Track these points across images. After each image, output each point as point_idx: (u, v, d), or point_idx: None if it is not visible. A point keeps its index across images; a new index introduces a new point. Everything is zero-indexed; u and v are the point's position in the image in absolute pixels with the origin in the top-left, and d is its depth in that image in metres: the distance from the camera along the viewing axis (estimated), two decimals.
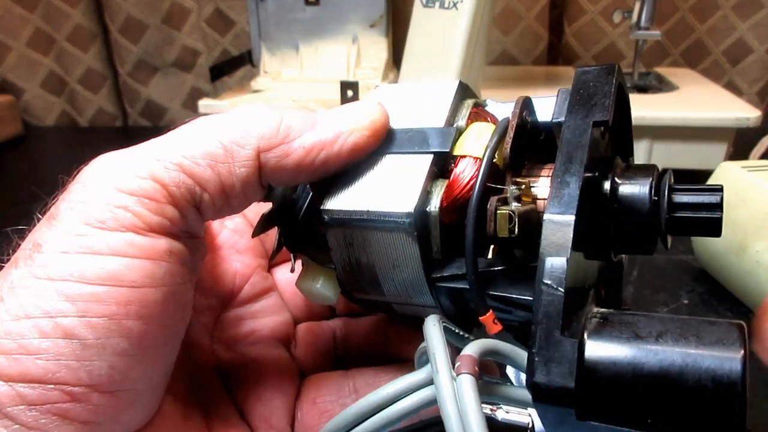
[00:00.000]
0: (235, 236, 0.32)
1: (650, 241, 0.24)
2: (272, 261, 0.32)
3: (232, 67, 0.96)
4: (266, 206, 0.28)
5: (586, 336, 0.20)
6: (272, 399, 0.29)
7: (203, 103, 0.85)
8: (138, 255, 0.21)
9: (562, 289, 0.20)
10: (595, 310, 0.22)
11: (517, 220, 0.22)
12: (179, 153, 0.23)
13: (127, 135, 1.11)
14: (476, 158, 0.25)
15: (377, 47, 0.92)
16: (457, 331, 0.25)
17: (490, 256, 0.26)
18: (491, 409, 0.24)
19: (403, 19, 0.92)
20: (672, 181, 0.25)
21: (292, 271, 0.30)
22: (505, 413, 0.24)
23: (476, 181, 0.24)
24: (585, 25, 1.02)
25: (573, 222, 0.21)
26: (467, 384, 0.21)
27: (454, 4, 0.67)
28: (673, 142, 0.73)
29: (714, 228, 0.24)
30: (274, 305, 0.32)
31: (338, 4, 0.90)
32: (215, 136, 0.23)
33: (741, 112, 0.72)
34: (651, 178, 0.24)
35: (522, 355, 0.24)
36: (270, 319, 0.32)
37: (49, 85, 1.12)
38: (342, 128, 0.24)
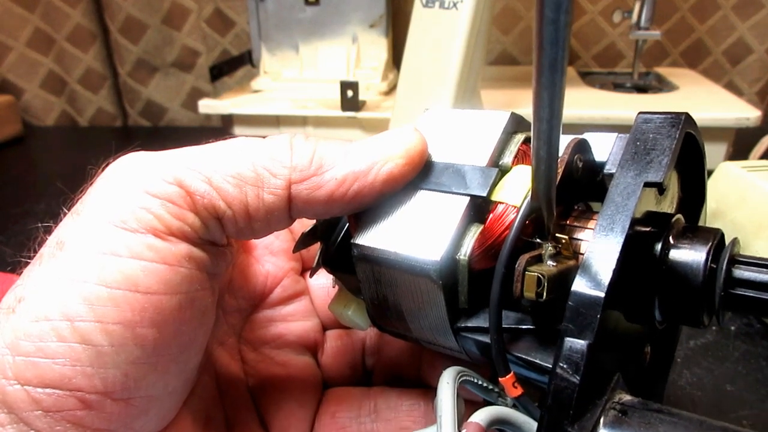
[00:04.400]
0: (270, 237, 0.31)
1: (700, 314, 0.22)
2: (312, 276, 0.32)
3: (232, 67, 0.96)
4: (310, 222, 0.28)
5: (598, 430, 0.18)
6: (293, 410, 0.29)
7: (203, 103, 0.85)
8: (155, 259, 0.21)
9: (578, 377, 0.18)
10: (618, 398, 0.19)
11: (546, 283, 0.20)
12: (211, 166, 0.22)
13: (127, 135, 1.11)
14: (514, 206, 0.23)
15: (377, 47, 0.92)
16: (481, 383, 0.24)
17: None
18: None
19: (403, 19, 0.92)
20: (736, 250, 0.22)
21: (334, 287, 0.30)
22: None
23: (510, 233, 0.22)
24: (585, 25, 1.02)
25: (602, 301, 0.18)
26: None
27: (454, 4, 0.67)
28: None
29: None
30: (304, 310, 0.32)
31: (338, 4, 0.90)
32: (249, 158, 0.23)
33: (741, 112, 0.72)
34: (709, 245, 0.21)
35: (534, 428, 0.22)
36: (299, 323, 0.31)
37: (49, 85, 1.12)
38: (376, 158, 0.24)
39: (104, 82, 1.13)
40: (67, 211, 0.22)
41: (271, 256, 0.32)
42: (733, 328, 0.48)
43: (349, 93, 0.79)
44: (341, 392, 0.31)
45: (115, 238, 0.21)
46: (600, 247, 0.20)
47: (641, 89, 0.90)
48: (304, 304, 0.32)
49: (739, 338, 0.46)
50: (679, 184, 0.26)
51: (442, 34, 0.68)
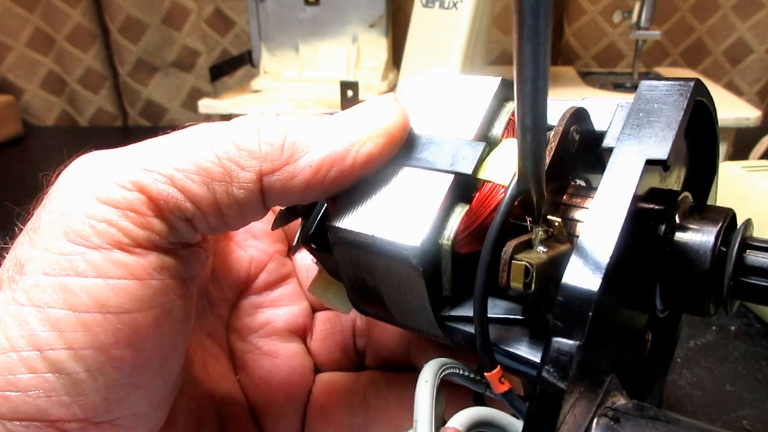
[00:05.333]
0: None
1: (706, 302, 0.20)
2: (293, 254, 0.31)
3: (232, 67, 0.96)
4: None
5: None
6: (282, 405, 0.28)
7: (203, 103, 0.85)
8: (124, 276, 0.19)
9: (565, 383, 0.16)
10: (611, 402, 0.18)
11: (535, 274, 0.18)
12: (170, 164, 0.20)
13: (127, 135, 1.11)
14: (503, 186, 0.21)
15: (377, 47, 0.92)
16: (467, 374, 0.23)
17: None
18: None
19: (403, 19, 0.92)
20: (748, 233, 0.20)
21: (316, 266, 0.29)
22: None
23: (496, 217, 0.20)
24: (585, 25, 1.02)
25: (595, 297, 0.17)
26: None
27: (454, 4, 0.67)
28: None
29: None
30: (291, 293, 0.30)
31: (338, 4, 0.90)
32: (212, 150, 0.21)
33: (741, 112, 0.72)
34: (719, 227, 0.19)
35: (519, 429, 0.20)
36: (287, 308, 0.30)
37: (49, 85, 1.12)
38: (354, 138, 0.22)
39: (104, 82, 1.13)
40: (21, 227, 0.21)
41: (253, 240, 0.30)
42: (733, 328, 0.48)
43: (349, 93, 0.79)
44: (331, 381, 0.30)
45: (78, 257, 0.19)
46: (595, 234, 0.18)
47: None
48: (291, 287, 0.31)
49: (739, 338, 0.46)
50: (688, 155, 0.24)
51: (442, 34, 0.68)
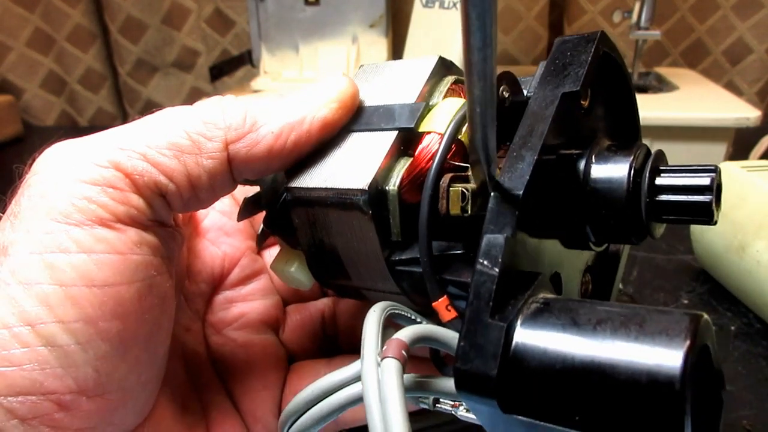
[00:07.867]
0: (223, 218, 0.31)
1: (630, 228, 0.22)
2: (260, 247, 0.32)
3: (232, 67, 0.96)
4: (253, 189, 0.28)
5: (519, 321, 0.18)
6: (259, 390, 0.29)
7: None
8: (107, 250, 0.20)
9: (497, 270, 0.18)
10: (541, 295, 0.19)
11: (470, 197, 0.21)
12: (143, 142, 0.22)
13: None
14: (441, 134, 0.24)
15: (377, 47, 0.92)
16: (412, 316, 0.24)
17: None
18: (452, 405, 0.22)
19: (403, 19, 0.92)
20: (658, 162, 0.22)
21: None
22: (466, 411, 0.22)
23: (438, 153, 0.22)
24: (585, 25, 1.02)
25: (519, 198, 0.19)
26: (390, 368, 0.19)
27: (454, 4, 0.67)
28: (673, 142, 0.73)
29: (703, 213, 0.21)
30: (263, 288, 0.32)
31: (338, 4, 0.90)
32: (181, 126, 0.23)
33: (741, 112, 0.72)
34: (631, 158, 0.21)
35: None
36: (260, 302, 0.31)
37: (49, 85, 1.12)
38: (309, 106, 0.24)
39: (104, 82, 1.13)
40: (1, 215, 0.22)
41: (226, 237, 0.31)
42: (733, 328, 0.48)
43: None
44: (304, 367, 0.31)
45: (62, 235, 0.20)
46: (519, 151, 0.20)
47: (641, 89, 0.90)
48: (263, 282, 0.32)
49: (739, 338, 0.46)
50: (610, 117, 0.26)
51: (442, 34, 0.68)
